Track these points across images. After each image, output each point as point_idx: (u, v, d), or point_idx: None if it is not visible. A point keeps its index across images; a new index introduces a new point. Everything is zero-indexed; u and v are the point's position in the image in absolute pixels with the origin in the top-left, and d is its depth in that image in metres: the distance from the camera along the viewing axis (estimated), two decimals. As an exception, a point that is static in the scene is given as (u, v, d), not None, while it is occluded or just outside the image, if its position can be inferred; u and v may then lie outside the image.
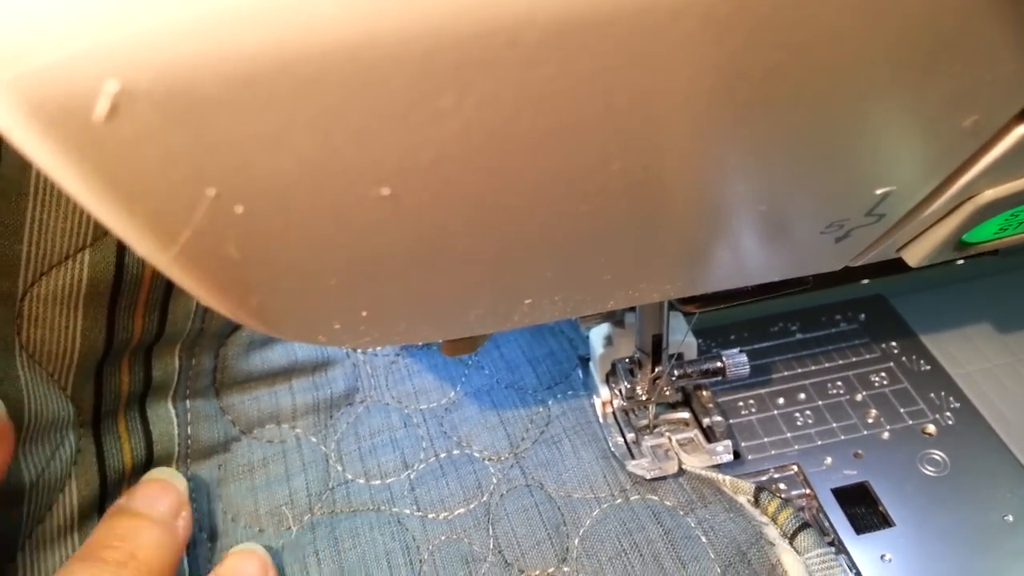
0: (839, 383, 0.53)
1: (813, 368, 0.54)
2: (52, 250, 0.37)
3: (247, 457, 0.48)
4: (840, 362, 0.54)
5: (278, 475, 0.47)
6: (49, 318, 0.39)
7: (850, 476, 0.47)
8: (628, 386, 0.47)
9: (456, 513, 0.45)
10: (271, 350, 0.51)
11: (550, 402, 0.51)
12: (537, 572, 0.42)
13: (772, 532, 0.42)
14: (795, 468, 0.48)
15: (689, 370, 0.47)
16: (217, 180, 0.17)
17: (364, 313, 0.26)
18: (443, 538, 0.43)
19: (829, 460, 0.48)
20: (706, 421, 0.48)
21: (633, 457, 0.46)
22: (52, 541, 0.40)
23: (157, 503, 0.41)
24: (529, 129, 0.18)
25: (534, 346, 0.55)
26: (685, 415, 0.49)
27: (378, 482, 0.47)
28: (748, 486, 0.44)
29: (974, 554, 0.42)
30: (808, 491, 0.47)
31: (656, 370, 0.46)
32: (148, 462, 0.46)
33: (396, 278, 0.24)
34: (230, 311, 0.24)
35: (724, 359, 0.47)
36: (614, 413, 0.49)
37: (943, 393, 0.51)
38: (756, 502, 0.44)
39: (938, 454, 0.48)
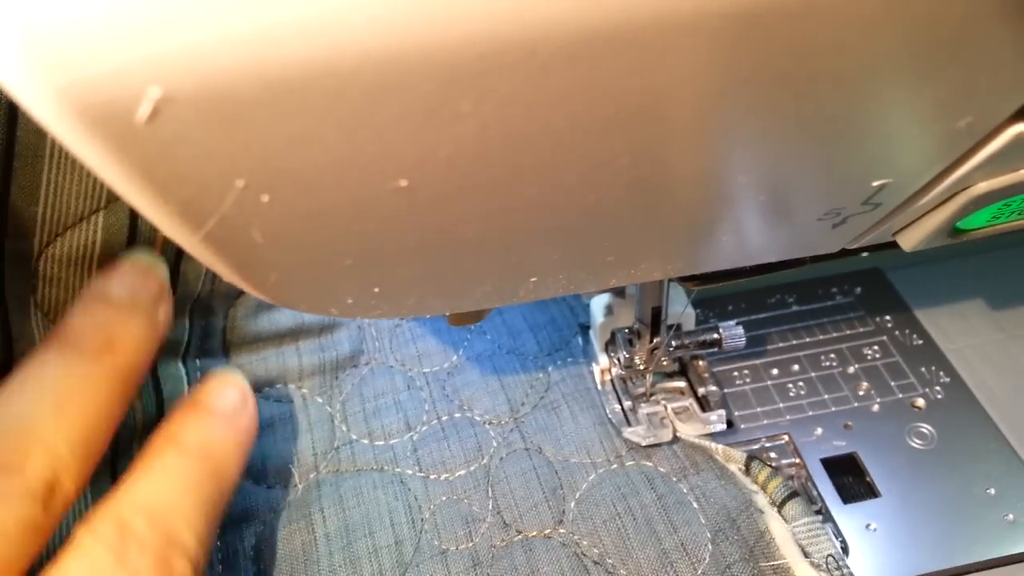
0: (832, 355, 0.54)
1: (808, 340, 0.55)
2: (67, 212, 0.38)
3: None
4: (834, 335, 0.55)
5: (285, 434, 0.48)
6: (64, 278, 0.39)
7: (839, 447, 0.48)
8: (627, 355, 0.48)
9: (457, 474, 0.46)
10: (279, 312, 0.52)
11: (550, 368, 0.52)
12: (534, 533, 0.43)
13: (761, 500, 0.44)
14: (786, 438, 0.49)
15: (686, 341, 0.48)
16: (247, 173, 0.18)
17: (376, 290, 0.27)
18: (444, 498, 0.45)
19: (819, 431, 0.49)
20: (701, 391, 0.49)
21: (629, 424, 0.47)
22: None
23: (138, 291, 0.37)
24: (542, 129, 0.19)
25: (536, 312, 0.56)
26: (681, 384, 0.50)
27: (382, 443, 0.48)
28: (739, 455, 0.45)
29: (956, 525, 0.44)
30: (798, 460, 0.48)
31: (654, 341, 0.47)
32: (159, 419, 0.47)
33: (409, 260, 0.25)
34: (249, 287, 0.25)
35: (721, 331, 0.47)
36: (612, 381, 0.50)
37: (934, 368, 0.52)
38: (747, 470, 0.45)
39: (926, 427, 0.49)
